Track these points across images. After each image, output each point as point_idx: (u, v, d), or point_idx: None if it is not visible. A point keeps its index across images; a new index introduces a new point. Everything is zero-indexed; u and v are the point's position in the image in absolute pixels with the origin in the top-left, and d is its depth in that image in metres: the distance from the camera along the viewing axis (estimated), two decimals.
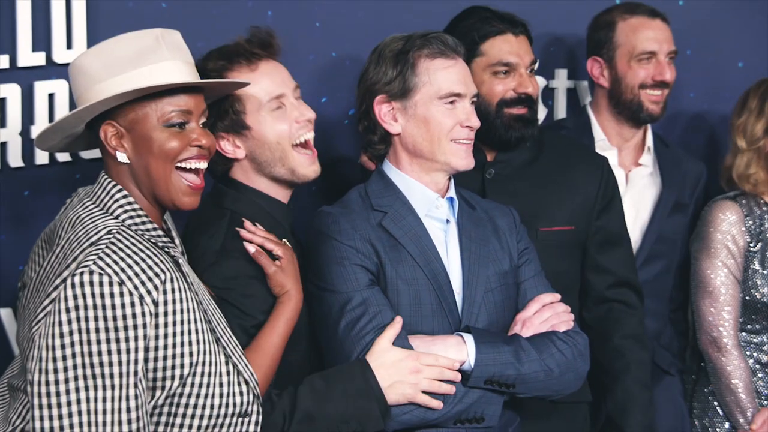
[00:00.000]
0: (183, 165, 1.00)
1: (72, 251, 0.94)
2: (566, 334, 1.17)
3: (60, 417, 0.89)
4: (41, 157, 1.47)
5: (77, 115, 1.00)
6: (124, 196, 1.01)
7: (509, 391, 1.12)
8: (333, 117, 1.46)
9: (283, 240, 1.14)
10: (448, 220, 1.20)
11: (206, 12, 1.53)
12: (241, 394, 1.00)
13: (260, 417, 1.01)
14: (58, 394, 0.89)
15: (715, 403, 1.58)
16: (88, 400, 0.90)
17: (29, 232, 1.38)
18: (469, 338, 1.10)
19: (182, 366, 0.93)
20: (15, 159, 1.46)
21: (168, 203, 1.02)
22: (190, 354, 0.95)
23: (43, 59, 1.44)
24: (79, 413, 0.90)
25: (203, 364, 0.96)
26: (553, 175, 1.43)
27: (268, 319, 1.08)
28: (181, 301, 0.96)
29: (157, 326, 0.93)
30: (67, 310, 0.89)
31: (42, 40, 1.45)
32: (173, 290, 0.96)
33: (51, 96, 1.47)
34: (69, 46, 1.48)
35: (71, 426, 0.89)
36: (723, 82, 1.79)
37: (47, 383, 0.89)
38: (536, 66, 1.46)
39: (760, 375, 1.58)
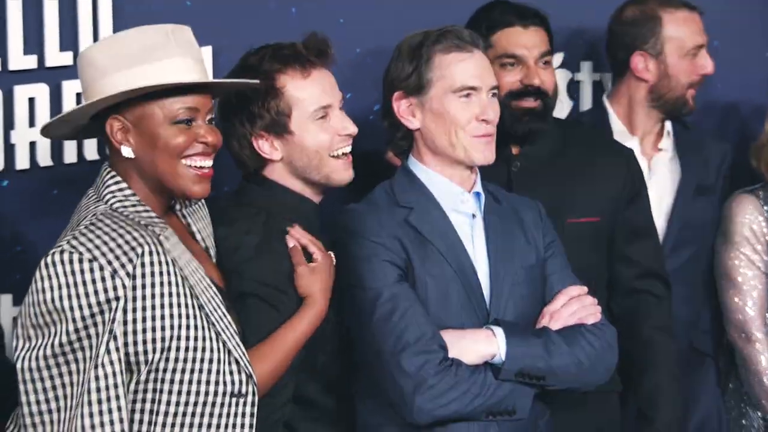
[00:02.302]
0: (187, 162, 1.03)
1: (61, 239, 0.99)
2: (595, 326, 1.20)
3: (44, 392, 0.94)
4: (70, 156, 1.52)
5: (83, 109, 1.03)
6: (116, 183, 1.04)
7: (539, 384, 1.16)
8: (358, 113, 1.49)
9: (330, 252, 1.18)
10: (474, 215, 1.23)
11: (230, 10, 1.57)
12: (232, 373, 1.02)
13: (255, 398, 1.03)
14: (39, 369, 0.93)
15: (746, 394, 1.61)
16: (69, 373, 0.93)
17: (58, 230, 1.44)
18: (499, 331, 1.13)
19: (163, 339, 0.96)
20: (44, 158, 1.52)
21: (179, 194, 1.06)
22: (171, 327, 0.97)
23: (71, 59, 1.48)
24: (63, 386, 0.94)
25: (186, 338, 0.98)
26: (579, 168, 1.47)
27: (290, 318, 1.12)
28: (161, 274, 0.98)
29: (134, 299, 0.95)
30: (40, 291, 0.93)
31: (69, 39, 1.49)
32: (152, 263, 0.98)
33: (79, 95, 1.50)
34: None
35: (56, 398, 0.93)
36: (751, 72, 1.81)
37: (29, 359, 0.93)
38: (551, 58, 1.50)
39: None
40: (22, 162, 1.50)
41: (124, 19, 1.50)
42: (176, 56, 1.03)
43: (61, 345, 0.92)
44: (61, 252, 0.93)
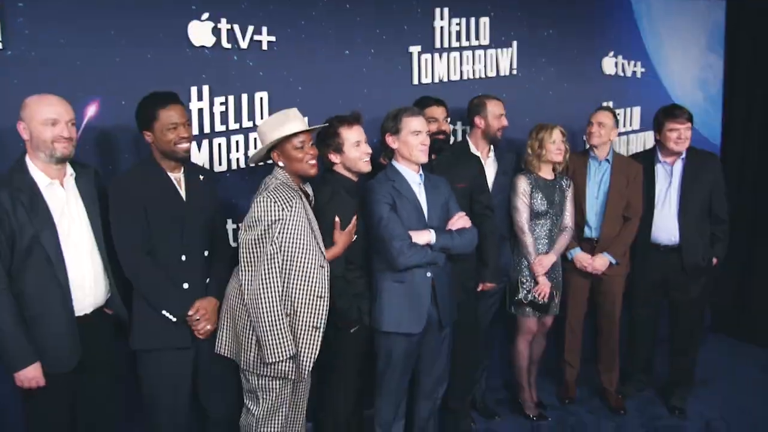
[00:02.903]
0: (306, 161, 2.41)
1: (259, 192, 2.36)
2: (468, 228, 2.67)
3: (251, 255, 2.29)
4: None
5: (261, 150, 2.42)
6: (283, 174, 2.40)
7: (448, 252, 2.62)
8: (373, 145, 2.86)
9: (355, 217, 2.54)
10: (420, 183, 2.67)
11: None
12: (317, 255, 2.39)
13: (327, 267, 2.43)
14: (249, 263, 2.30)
15: (520, 252, 3.31)
16: (261, 265, 2.27)
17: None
18: (432, 231, 2.58)
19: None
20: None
21: (304, 175, 2.43)
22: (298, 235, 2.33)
23: None
24: (258, 255, 2.27)
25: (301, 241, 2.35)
26: (458, 163, 2.99)
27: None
28: (299, 214, 2.31)
29: (287, 221, 2.28)
30: (253, 211, 2.30)
31: None
32: (295, 206, 2.29)
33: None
34: None
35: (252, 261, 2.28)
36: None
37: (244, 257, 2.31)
38: (447, 119, 3.04)
39: None
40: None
41: None
42: (293, 121, 2.39)
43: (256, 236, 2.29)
44: (263, 197, 2.29)
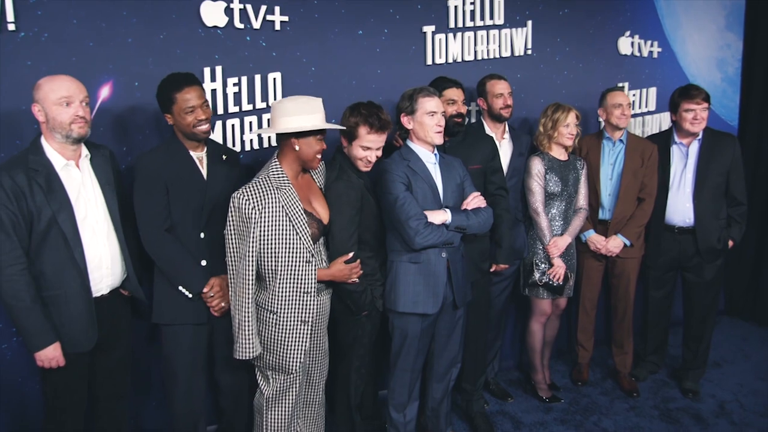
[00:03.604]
0: (318, 157, 2.35)
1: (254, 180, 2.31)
2: (484, 208, 2.65)
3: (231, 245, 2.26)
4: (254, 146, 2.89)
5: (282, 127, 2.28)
6: (276, 165, 2.29)
7: (463, 231, 2.60)
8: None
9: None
10: (435, 163, 2.65)
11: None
12: (308, 262, 2.30)
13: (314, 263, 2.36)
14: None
15: (535, 234, 3.29)
16: (240, 263, 2.24)
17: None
18: (448, 211, 2.57)
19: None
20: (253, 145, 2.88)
21: (308, 168, 2.37)
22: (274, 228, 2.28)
23: None
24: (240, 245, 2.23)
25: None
26: (473, 144, 2.96)
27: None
28: (273, 213, 2.19)
29: (264, 218, 2.19)
30: (230, 207, 2.23)
31: None
32: (269, 206, 2.18)
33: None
34: None
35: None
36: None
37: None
38: (464, 101, 2.98)
39: None
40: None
41: None
42: (314, 113, 2.27)
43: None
44: (238, 194, 2.21)
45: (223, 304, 2.48)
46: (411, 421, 2.83)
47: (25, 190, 2.13)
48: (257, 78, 2.94)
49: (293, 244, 2.28)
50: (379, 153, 2.50)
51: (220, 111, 2.90)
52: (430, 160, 2.63)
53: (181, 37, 2.77)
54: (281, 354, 2.35)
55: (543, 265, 3.24)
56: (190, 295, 2.44)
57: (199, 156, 2.50)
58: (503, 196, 3.01)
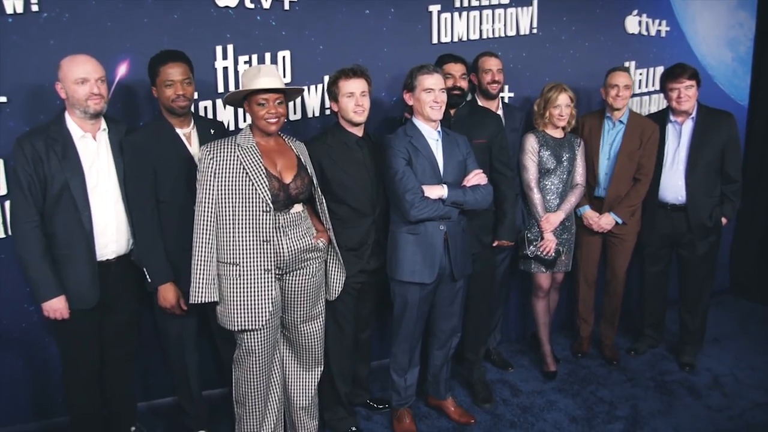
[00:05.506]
0: (266, 119, 2.32)
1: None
2: (484, 185, 2.72)
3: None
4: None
5: (235, 94, 2.36)
6: (247, 127, 2.37)
7: (460, 207, 2.68)
8: (391, 103, 3.03)
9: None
10: (437, 140, 2.72)
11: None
12: (266, 212, 2.28)
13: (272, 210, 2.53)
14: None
15: (529, 210, 3.38)
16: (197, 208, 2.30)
17: None
18: (445, 186, 2.65)
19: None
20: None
21: (263, 130, 2.34)
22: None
23: None
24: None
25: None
26: (476, 119, 3.03)
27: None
28: (227, 165, 2.24)
29: (220, 169, 2.24)
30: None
31: None
32: (225, 158, 2.24)
33: None
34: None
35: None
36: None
37: None
38: (465, 75, 3.04)
39: None
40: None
41: None
42: (265, 77, 2.30)
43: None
44: (203, 147, 2.30)
45: None
46: (411, 386, 2.98)
47: (43, 156, 2.31)
48: (267, 56, 3.05)
49: (250, 193, 2.31)
50: (367, 103, 2.63)
51: (231, 88, 3.01)
52: (432, 136, 2.71)
53: (194, 17, 2.89)
54: (249, 307, 2.34)
55: (536, 240, 3.33)
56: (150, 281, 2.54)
57: (186, 132, 2.57)
58: (507, 174, 3.07)
